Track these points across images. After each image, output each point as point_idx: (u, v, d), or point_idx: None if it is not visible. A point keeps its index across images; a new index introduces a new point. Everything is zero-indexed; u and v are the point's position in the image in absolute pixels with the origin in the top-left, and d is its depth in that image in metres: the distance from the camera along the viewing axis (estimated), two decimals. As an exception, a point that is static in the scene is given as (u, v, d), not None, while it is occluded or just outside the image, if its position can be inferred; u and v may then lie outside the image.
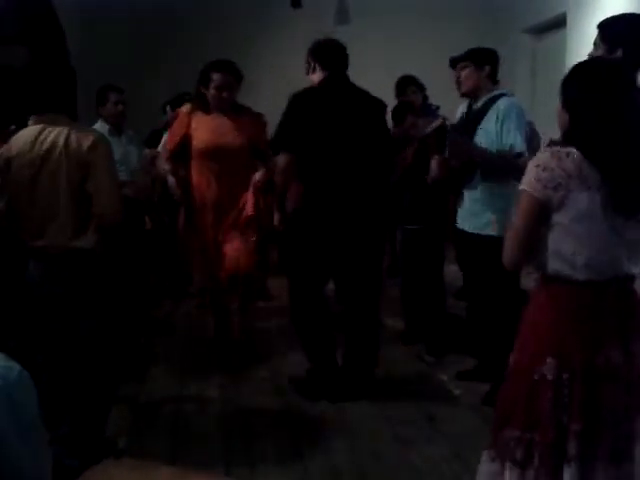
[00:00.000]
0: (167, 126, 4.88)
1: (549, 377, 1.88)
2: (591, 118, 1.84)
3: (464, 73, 3.40)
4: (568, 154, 1.82)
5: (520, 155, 3.14)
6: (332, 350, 3.49)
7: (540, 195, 1.83)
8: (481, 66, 3.35)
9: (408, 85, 4.77)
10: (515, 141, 3.17)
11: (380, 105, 3.44)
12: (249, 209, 3.70)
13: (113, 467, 2.27)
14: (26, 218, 2.64)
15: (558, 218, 1.85)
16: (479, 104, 3.37)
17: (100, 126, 4.24)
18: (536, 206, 1.85)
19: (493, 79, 3.39)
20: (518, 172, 3.07)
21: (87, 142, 2.58)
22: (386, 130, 3.54)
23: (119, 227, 2.71)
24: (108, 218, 2.63)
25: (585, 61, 2.36)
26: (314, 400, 3.40)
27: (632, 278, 1.92)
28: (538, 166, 1.84)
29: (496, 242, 3.18)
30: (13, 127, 3.11)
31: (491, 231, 3.26)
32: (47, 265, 2.61)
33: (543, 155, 1.86)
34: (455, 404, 3.42)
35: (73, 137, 2.58)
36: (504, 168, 3.20)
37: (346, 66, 3.42)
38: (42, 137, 2.59)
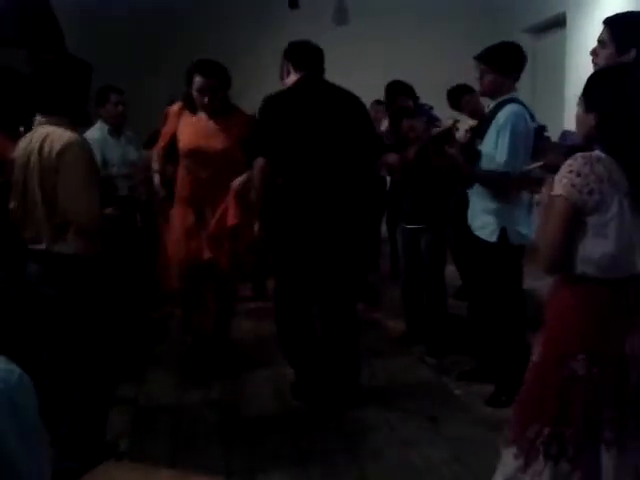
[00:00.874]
0: None
1: (580, 373, 1.94)
2: (621, 119, 1.90)
3: (487, 78, 3.28)
4: (599, 159, 1.89)
5: (505, 174, 3.13)
6: (315, 357, 3.38)
7: (575, 200, 1.88)
8: (509, 74, 3.26)
9: (397, 94, 4.76)
10: (501, 159, 3.16)
11: (359, 103, 3.28)
12: (231, 218, 3.53)
13: (113, 469, 2.27)
14: (23, 221, 2.63)
15: (590, 222, 1.90)
16: (491, 107, 3.36)
17: (100, 126, 4.25)
18: (572, 211, 1.90)
19: (515, 80, 3.30)
20: (500, 189, 3.19)
21: (57, 147, 2.46)
22: (370, 128, 3.39)
23: (104, 231, 2.63)
24: (82, 225, 2.52)
25: (613, 66, 2.39)
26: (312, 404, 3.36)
27: None
28: (571, 172, 1.88)
29: (490, 246, 3.22)
30: (22, 129, 3.10)
31: (482, 234, 3.27)
32: (40, 267, 2.58)
33: (575, 161, 1.90)
34: (456, 405, 3.41)
35: (48, 142, 2.48)
36: (489, 185, 3.25)
37: (322, 68, 3.28)
38: (31, 141, 2.55)
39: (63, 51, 4.39)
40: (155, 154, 3.87)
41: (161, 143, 3.79)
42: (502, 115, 3.20)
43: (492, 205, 3.24)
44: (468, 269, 3.87)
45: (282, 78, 3.32)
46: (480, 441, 2.93)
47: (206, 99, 3.54)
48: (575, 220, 1.91)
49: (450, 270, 4.61)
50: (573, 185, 1.87)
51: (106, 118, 4.28)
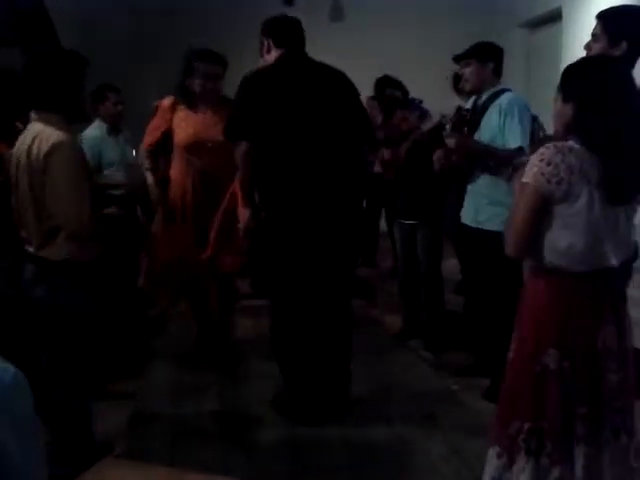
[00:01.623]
0: None
1: (552, 367, 1.94)
2: (597, 108, 1.89)
3: (468, 70, 3.38)
4: (571, 149, 1.89)
5: (520, 149, 3.14)
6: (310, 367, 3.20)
7: (544, 189, 1.88)
8: (485, 62, 3.34)
9: (385, 87, 4.81)
10: (516, 136, 3.17)
11: (348, 81, 3.09)
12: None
13: (110, 467, 2.27)
14: (19, 222, 2.60)
15: (558, 211, 1.90)
16: (482, 99, 3.37)
17: (98, 125, 4.26)
18: (539, 199, 1.90)
19: (497, 74, 3.38)
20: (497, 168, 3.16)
21: (45, 148, 2.37)
22: (359, 105, 3.15)
23: (101, 235, 2.56)
24: (73, 231, 2.43)
25: (589, 57, 2.44)
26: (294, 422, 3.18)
27: (615, 268, 1.99)
28: (542, 160, 1.88)
29: (498, 236, 3.21)
30: (21, 127, 3.08)
31: (492, 225, 3.26)
32: (32, 268, 2.54)
33: (547, 150, 1.90)
34: (454, 401, 3.41)
35: (36, 142, 2.40)
36: (504, 163, 3.21)
37: (303, 43, 3.11)
38: (24, 140, 2.48)
39: (57, 48, 4.37)
40: (144, 151, 3.76)
41: (151, 139, 3.69)
42: (505, 99, 3.23)
43: (502, 196, 3.22)
44: (468, 263, 3.87)
45: (262, 55, 3.17)
46: (479, 436, 2.92)
47: (210, 86, 3.53)
48: (542, 209, 1.91)
49: (450, 265, 4.61)
50: (542, 174, 1.87)
51: (104, 117, 4.28)
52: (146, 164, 3.76)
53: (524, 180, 1.92)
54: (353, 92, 3.10)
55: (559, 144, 1.91)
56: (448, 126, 3.52)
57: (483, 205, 3.33)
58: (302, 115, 2.94)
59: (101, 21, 6.97)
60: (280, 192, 3.02)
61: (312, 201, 2.98)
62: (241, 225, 3.24)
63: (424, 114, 4.04)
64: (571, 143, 1.91)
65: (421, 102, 4.25)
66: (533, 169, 1.89)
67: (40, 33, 4.24)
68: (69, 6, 6.05)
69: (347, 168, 3.06)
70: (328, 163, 2.99)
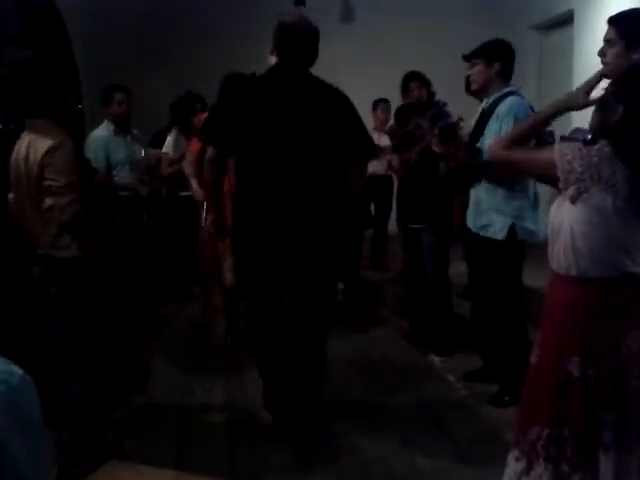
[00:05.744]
0: (171, 127, 4.91)
1: (576, 374, 1.92)
2: None
3: (475, 70, 3.30)
4: (610, 159, 1.82)
5: None
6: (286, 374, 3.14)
7: (562, 164, 1.84)
8: (491, 63, 3.24)
9: (411, 80, 4.73)
10: None
11: (342, 97, 2.92)
12: None
13: (117, 470, 2.27)
14: (22, 229, 2.66)
15: (579, 218, 1.86)
16: (488, 102, 3.32)
17: (105, 126, 4.28)
18: (551, 163, 1.86)
19: (505, 75, 3.28)
20: (497, 179, 3.14)
21: (40, 153, 2.47)
22: (357, 122, 2.98)
23: (104, 230, 2.67)
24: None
25: None
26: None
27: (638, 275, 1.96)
28: (580, 150, 1.84)
29: (498, 243, 3.20)
30: (13, 126, 3.10)
31: (490, 232, 3.24)
32: (43, 269, 2.61)
33: (592, 146, 1.85)
34: (462, 405, 3.39)
35: (32, 150, 2.48)
36: (493, 174, 3.21)
37: (304, 56, 2.87)
38: (19, 147, 2.56)
39: (69, 48, 4.40)
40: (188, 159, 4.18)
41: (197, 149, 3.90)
42: (504, 106, 3.17)
43: (501, 202, 3.20)
44: (474, 268, 3.85)
45: (271, 53, 3.02)
46: (486, 441, 2.92)
47: None
48: (544, 170, 1.91)
49: (456, 269, 4.58)
50: (569, 162, 1.83)
51: (111, 118, 4.30)
52: (190, 170, 4.15)
53: (555, 147, 1.89)
54: (348, 108, 2.95)
55: (606, 150, 1.83)
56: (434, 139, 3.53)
57: (482, 211, 3.29)
58: (279, 131, 2.83)
59: (114, 20, 7.00)
60: (251, 204, 2.95)
61: (282, 216, 2.88)
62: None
63: (442, 115, 3.99)
64: (602, 147, 1.84)
65: (445, 104, 4.22)
66: (566, 150, 1.86)
67: (51, 32, 4.26)
68: (73, 6, 6.06)
69: (329, 186, 2.95)
70: (307, 180, 2.87)
